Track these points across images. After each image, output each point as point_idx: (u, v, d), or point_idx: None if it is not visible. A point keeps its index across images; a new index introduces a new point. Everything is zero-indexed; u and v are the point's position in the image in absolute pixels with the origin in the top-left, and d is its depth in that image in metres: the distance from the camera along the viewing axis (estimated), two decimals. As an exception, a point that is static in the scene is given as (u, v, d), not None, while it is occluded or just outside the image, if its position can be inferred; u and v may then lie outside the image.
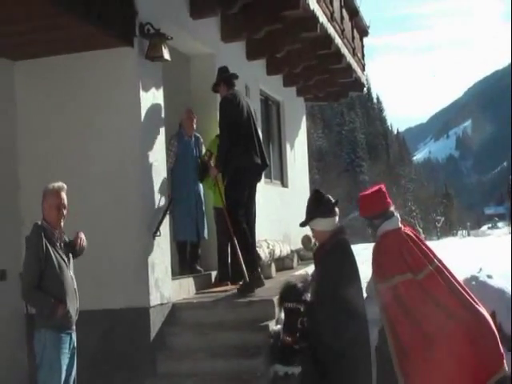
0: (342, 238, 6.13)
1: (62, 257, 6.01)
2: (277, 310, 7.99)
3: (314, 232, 6.31)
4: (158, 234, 8.21)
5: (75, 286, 6.11)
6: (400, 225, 6.00)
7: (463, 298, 5.67)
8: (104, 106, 8.26)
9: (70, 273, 6.06)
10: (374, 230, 6.07)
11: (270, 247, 11.10)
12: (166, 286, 8.42)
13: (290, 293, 6.33)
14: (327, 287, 5.84)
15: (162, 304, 8.28)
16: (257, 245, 10.60)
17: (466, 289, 5.85)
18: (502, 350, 5.59)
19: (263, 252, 10.56)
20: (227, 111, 9.00)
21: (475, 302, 5.70)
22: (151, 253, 8.12)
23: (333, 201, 6.12)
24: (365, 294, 6.25)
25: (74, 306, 6.03)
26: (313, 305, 5.98)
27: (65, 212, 6.07)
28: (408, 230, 6.00)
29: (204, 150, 9.92)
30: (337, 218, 6.11)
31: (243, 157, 8.93)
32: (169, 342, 8.25)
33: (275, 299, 7.31)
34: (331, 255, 5.99)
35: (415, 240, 5.91)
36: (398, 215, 6.09)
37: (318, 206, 6.16)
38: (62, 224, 6.08)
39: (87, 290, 6.55)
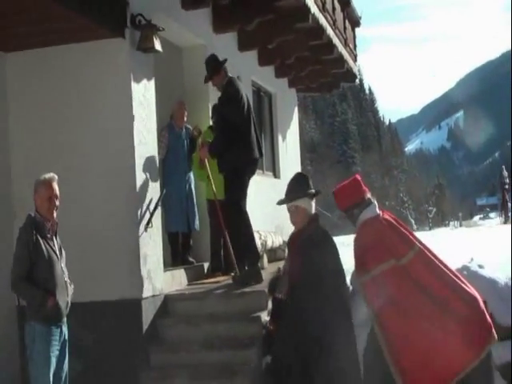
0: (321, 227, 6.13)
1: (52, 249, 6.00)
2: (269, 300, 7.99)
3: (297, 211, 6.16)
4: (150, 225, 8.20)
5: (66, 279, 6.10)
6: (378, 211, 6.00)
7: (449, 279, 5.68)
8: (96, 97, 8.23)
9: (61, 265, 6.06)
10: (353, 221, 6.05)
11: (263, 238, 11.10)
12: (158, 278, 8.41)
13: (279, 283, 6.32)
14: (316, 277, 5.81)
15: (154, 296, 8.27)
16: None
17: (452, 270, 5.86)
18: (490, 321, 5.63)
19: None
20: (229, 112, 8.76)
21: (462, 281, 5.72)
22: (143, 244, 8.11)
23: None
24: (350, 287, 6.22)
25: (64, 299, 6.01)
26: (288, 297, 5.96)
27: (57, 203, 6.06)
28: (386, 215, 6.00)
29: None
30: None
31: (243, 154, 8.77)
32: (161, 334, 8.25)
33: (267, 290, 7.30)
34: (316, 244, 5.95)
35: (395, 225, 5.90)
36: (376, 202, 6.09)
37: (306, 186, 6.16)
38: (55, 215, 6.07)
39: (79, 281, 6.54)
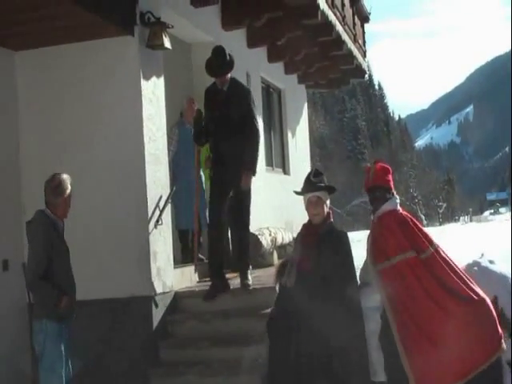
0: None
1: (64, 246, 6.02)
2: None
3: (320, 202, 6.16)
4: (160, 222, 8.21)
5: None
6: (399, 207, 6.04)
7: (463, 279, 5.70)
8: (105, 95, 8.24)
9: (69, 263, 6.08)
10: (378, 204, 6.02)
11: (272, 235, 11.11)
12: (168, 275, 8.43)
13: (285, 271, 6.32)
14: (328, 271, 5.83)
15: (164, 292, 8.29)
16: (259, 232, 10.62)
17: (464, 272, 5.89)
18: (501, 331, 5.63)
19: (265, 239, 10.57)
20: (254, 111, 8.54)
21: (473, 283, 5.74)
22: (153, 241, 8.13)
23: None
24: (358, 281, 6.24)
25: (74, 297, 6.05)
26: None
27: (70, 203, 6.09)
28: (406, 212, 6.05)
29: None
30: None
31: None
32: (171, 331, 8.28)
33: (275, 275, 7.23)
34: (344, 241, 5.99)
35: (414, 221, 5.95)
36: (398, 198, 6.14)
37: (324, 181, 6.19)
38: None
39: (90, 279, 6.57)
